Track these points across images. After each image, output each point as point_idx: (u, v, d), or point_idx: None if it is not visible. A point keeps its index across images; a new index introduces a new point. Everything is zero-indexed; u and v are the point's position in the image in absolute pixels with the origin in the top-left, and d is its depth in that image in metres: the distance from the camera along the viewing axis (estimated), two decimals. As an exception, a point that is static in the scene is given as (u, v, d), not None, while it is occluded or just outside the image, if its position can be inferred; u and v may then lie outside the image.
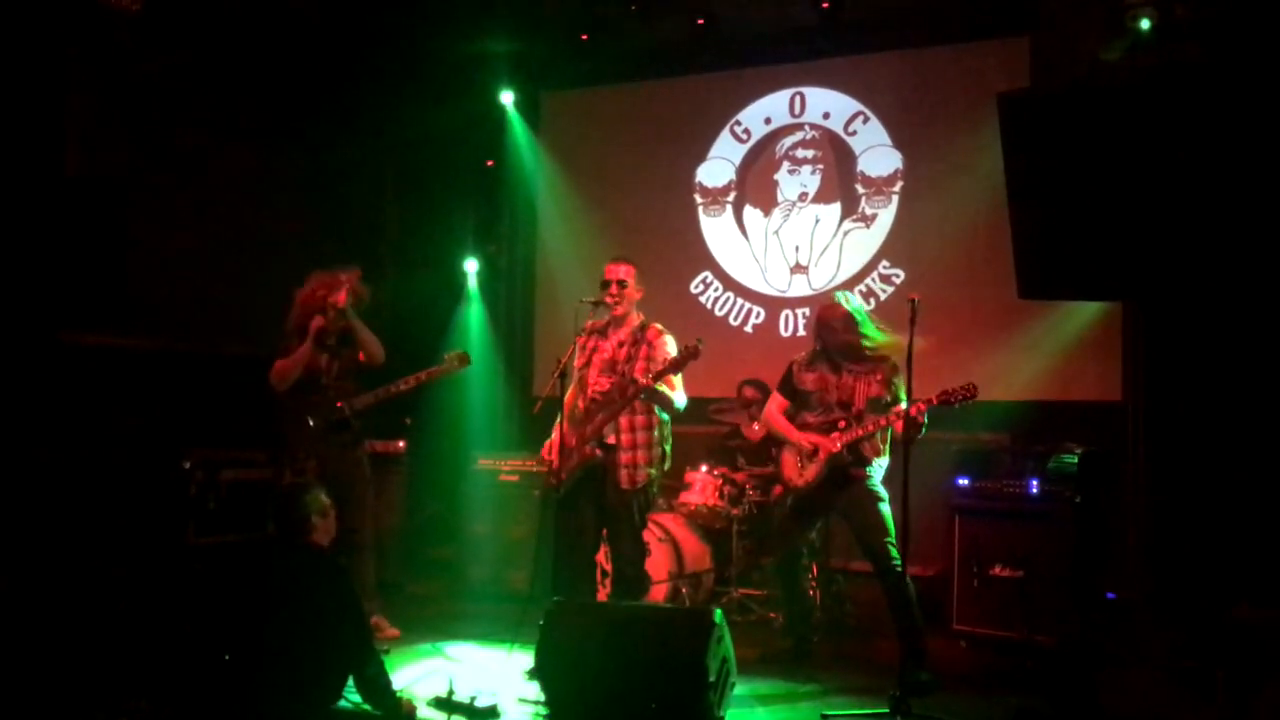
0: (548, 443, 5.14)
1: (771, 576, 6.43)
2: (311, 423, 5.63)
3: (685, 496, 6.42)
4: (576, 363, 5.21)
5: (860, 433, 4.95)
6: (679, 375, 4.95)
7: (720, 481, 6.35)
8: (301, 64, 7.34)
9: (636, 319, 5.16)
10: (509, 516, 6.90)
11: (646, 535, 5.67)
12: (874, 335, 5.07)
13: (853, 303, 5.15)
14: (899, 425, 4.78)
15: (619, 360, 5.05)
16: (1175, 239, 3.02)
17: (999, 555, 5.58)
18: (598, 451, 4.98)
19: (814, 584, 5.94)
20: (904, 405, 4.72)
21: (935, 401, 4.79)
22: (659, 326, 5.13)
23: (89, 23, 5.98)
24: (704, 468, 6.44)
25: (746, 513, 6.34)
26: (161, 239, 6.60)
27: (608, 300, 5.09)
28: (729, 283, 7.90)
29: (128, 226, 6.43)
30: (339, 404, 5.66)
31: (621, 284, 5.09)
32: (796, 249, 7.71)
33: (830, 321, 5.11)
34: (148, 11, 6.06)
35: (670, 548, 6.20)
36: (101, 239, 6.23)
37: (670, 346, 5.02)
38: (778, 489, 5.90)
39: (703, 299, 7.95)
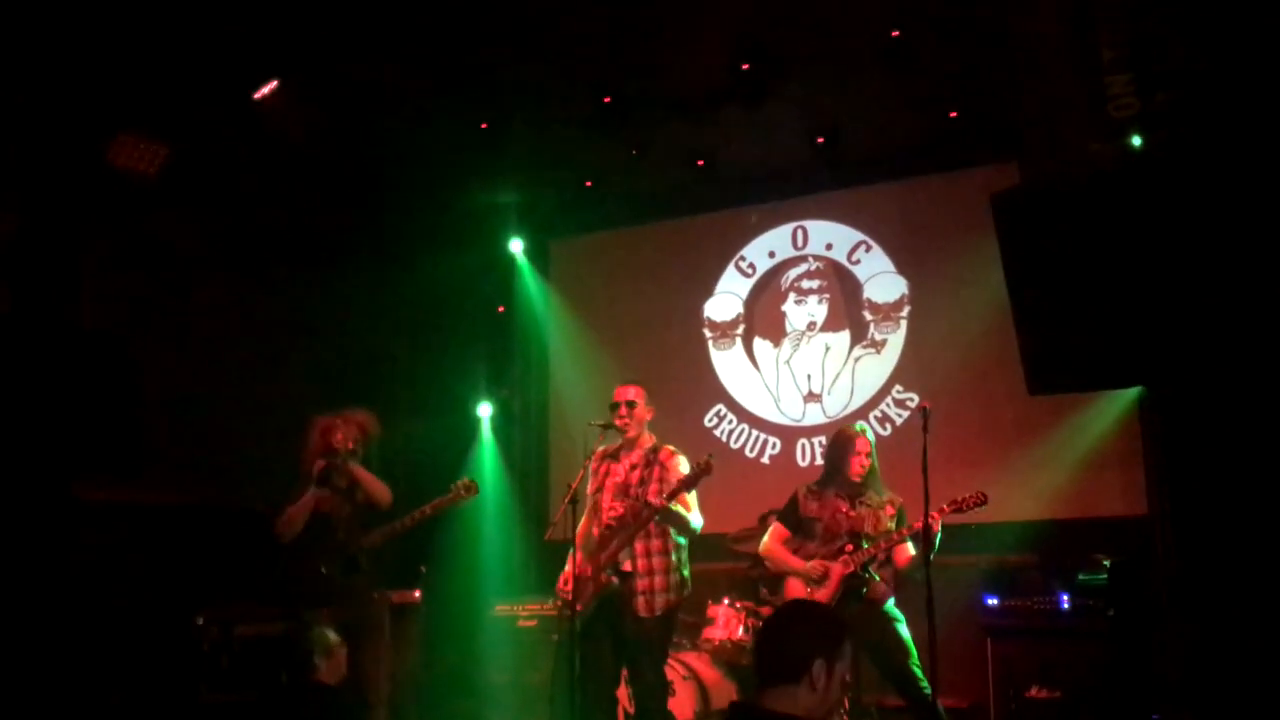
0: (563, 574, 5.04)
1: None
2: (324, 569, 5.55)
3: (709, 633, 6.24)
4: (589, 488, 5.15)
5: (872, 551, 4.92)
6: (693, 494, 4.89)
7: (744, 615, 6.19)
8: (314, 215, 7.51)
9: (649, 441, 5.13)
10: (528, 663, 6.74)
11: (670, 674, 5.49)
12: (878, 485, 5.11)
13: (872, 437, 5.19)
14: (901, 555, 4.90)
15: (631, 483, 4.99)
16: (1177, 321, 3.02)
17: (1035, 676, 5.42)
18: (614, 579, 4.87)
19: (846, 718, 5.71)
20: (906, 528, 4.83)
21: (948, 510, 4.76)
22: (671, 448, 5.09)
23: (106, 186, 6.19)
24: (726, 601, 6.28)
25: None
26: (175, 391, 6.64)
27: (617, 423, 5.07)
28: (743, 414, 7.88)
29: (141, 379, 6.49)
30: (349, 546, 5.59)
31: (630, 404, 5.08)
32: (809, 377, 7.71)
33: (851, 442, 5.09)
34: (163, 173, 6.27)
35: (695, 685, 5.99)
36: (115, 392, 6.28)
37: (684, 467, 4.97)
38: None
39: (717, 432, 7.91)
